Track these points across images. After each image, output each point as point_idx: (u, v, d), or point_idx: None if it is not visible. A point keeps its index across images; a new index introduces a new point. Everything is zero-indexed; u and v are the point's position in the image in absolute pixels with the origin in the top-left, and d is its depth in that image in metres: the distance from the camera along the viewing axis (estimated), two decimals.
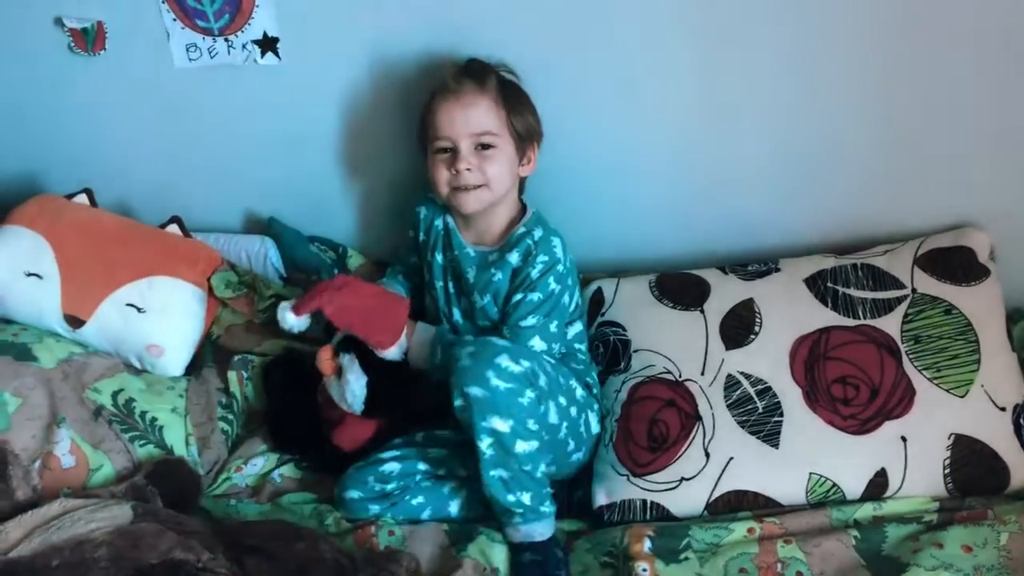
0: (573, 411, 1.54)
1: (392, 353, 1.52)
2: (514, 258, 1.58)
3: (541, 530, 1.47)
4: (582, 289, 1.77)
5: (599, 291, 1.76)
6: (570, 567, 1.46)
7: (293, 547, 1.32)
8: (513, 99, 1.59)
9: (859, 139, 1.70)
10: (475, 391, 1.39)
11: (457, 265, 1.64)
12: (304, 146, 1.87)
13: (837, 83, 1.66)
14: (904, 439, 1.48)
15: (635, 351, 1.66)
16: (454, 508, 1.56)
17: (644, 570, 1.38)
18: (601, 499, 1.53)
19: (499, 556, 1.45)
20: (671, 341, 1.64)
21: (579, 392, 1.57)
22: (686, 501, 1.50)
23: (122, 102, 1.89)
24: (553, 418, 1.49)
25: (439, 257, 1.67)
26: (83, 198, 1.84)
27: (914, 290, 1.61)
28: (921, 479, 1.47)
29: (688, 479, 1.51)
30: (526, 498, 1.44)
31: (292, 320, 1.50)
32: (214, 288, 1.80)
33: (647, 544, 1.43)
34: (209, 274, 1.79)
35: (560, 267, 1.58)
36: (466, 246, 1.64)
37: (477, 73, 1.57)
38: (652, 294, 1.72)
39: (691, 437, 1.53)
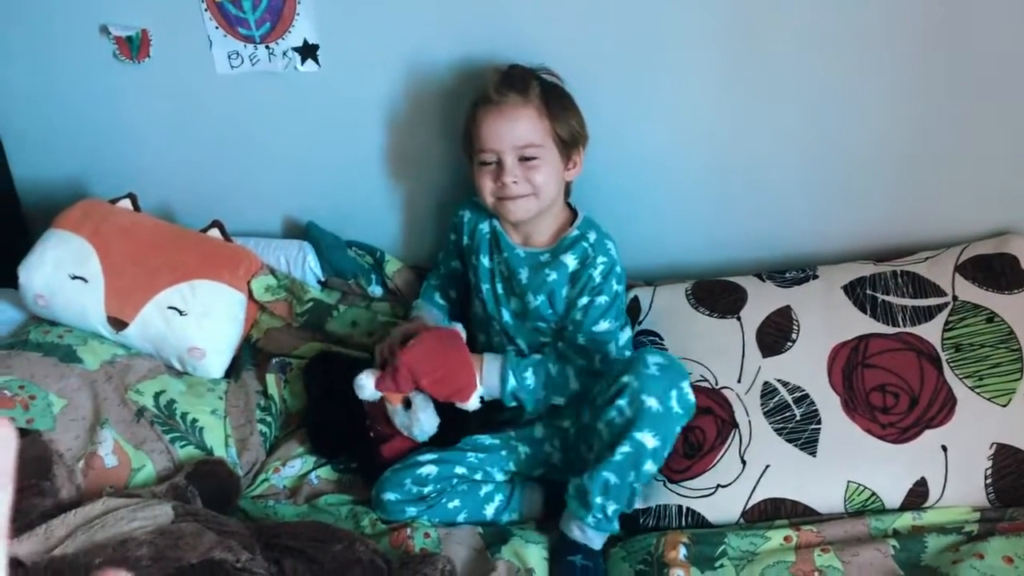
0: None
1: (472, 404, 1.53)
2: (570, 260, 1.59)
3: (599, 541, 1.47)
4: None
5: (635, 300, 1.76)
6: None
7: (330, 548, 1.33)
8: (557, 105, 1.59)
9: (900, 144, 1.69)
10: (651, 403, 1.39)
11: (507, 266, 1.64)
12: (343, 152, 1.89)
13: (877, 88, 1.65)
14: (944, 448, 1.46)
15: None
16: (489, 511, 1.57)
17: None
18: (637, 503, 1.53)
19: (534, 557, 1.46)
20: (707, 349, 1.63)
21: None
22: (722, 508, 1.50)
23: (165, 108, 1.92)
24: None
25: (485, 260, 1.67)
26: (127, 203, 1.87)
27: (955, 297, 1.59)
28: (962, 489, 1.45)
29: (724, 486, 1.50)
30: (611, 508, 1.44)
31: (370, 392, 1.53)
32: (253, 292, 1.82)
33: (682, 551, 1.42)
34: (249, 278, 1.81)
35: (618, 268, 1.60)
36: (515, 247, 1.64)
37: (519, 82, 1.57)
38: (688, 302, 1.72)
39: (727, 444, 1.52)
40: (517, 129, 1.54)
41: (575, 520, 1.47)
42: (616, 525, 1.47)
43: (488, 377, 1.55)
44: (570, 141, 1.59)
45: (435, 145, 1.84)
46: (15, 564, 1.22)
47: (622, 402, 1.40)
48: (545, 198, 1.58)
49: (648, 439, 1.39)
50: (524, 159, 1.55)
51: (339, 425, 1.66)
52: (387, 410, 1.56)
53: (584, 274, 1.58)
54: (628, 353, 1.63)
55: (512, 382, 1.55)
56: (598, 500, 1.43)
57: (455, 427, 1.56)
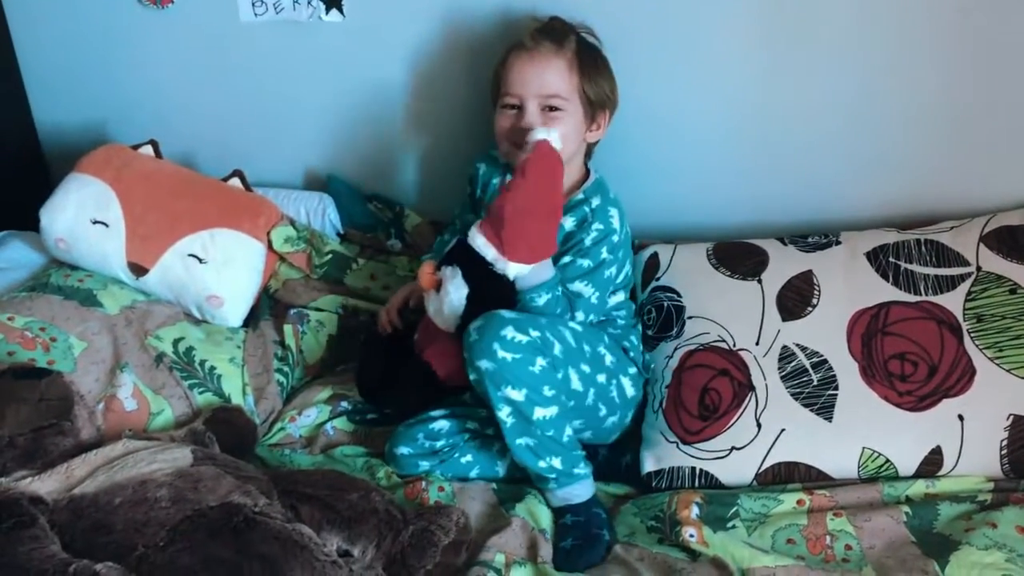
0: (601, 377, 1.53)
1: (512, 269, 1.44)
2: (568, 223, 1.57)
3: (579, 492, 1.48)
4: (637, 253, 1.77)
5: (655, 255, 1.75)
6: (614, 527, 1.47)
7: (346, 497, 1.34)
8: (589, 64, 1.57)
9: (930, 113, 1.67)
10: (484, 364, 1.40)
11: None
12: (366, 104, 1.88)
13: (907, 56, 1.63)
14: (961, 418, 1.46)
15: (689, 317, 1.65)
16: (501, 468, 1.58)
17: (692, 535, 1.39)
18: (649, 465, 1.54)
19: (547, 518, 1.47)
20: (726, 309, 1.63)
21: (609, 358, 1.56)
22: (735, 470, 1.50)
23: (188, 55, 1.92)
24: (576, 384, 1.49)
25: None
26: (148, 149, 1.86)
27: (979, 268, 1.58)
28: (977, 459, 1.45)
29: (739, 448, 1.50)
30: (556, 462, 1.45)
31: (483, 241, 1.45)
32: (273, 242, 1.82)
33: (695, 510, 1.43)
34: (269, 228, 1.81)
35: (615, 237, 1.58)
36: None
37: (557, 33, 1.56)
38: (709, 262, 1.71)
39: (743, 407, 1.52)
40: (545, 77, 1.53)
41: (545, 492, 1.49)
42: (579, 471, 1.47)
43: (541, 267, 1.49)
44: (596, 102, 1.58)
45: (459, 100, 1.83)
46: (37, 501, 1.23)
47: (472, 376, 1.43)
48: (563, 152, 1.55)
49: (512, 393, 1.41)
50: (548, 108, 1.54)
51: (388, 370, 1.64)
52: (424, 303, 1.53)
53: (576, 236, 1.56)
54: (616, 313, 1.62)
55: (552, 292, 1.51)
56: (540, 464, 1.45)
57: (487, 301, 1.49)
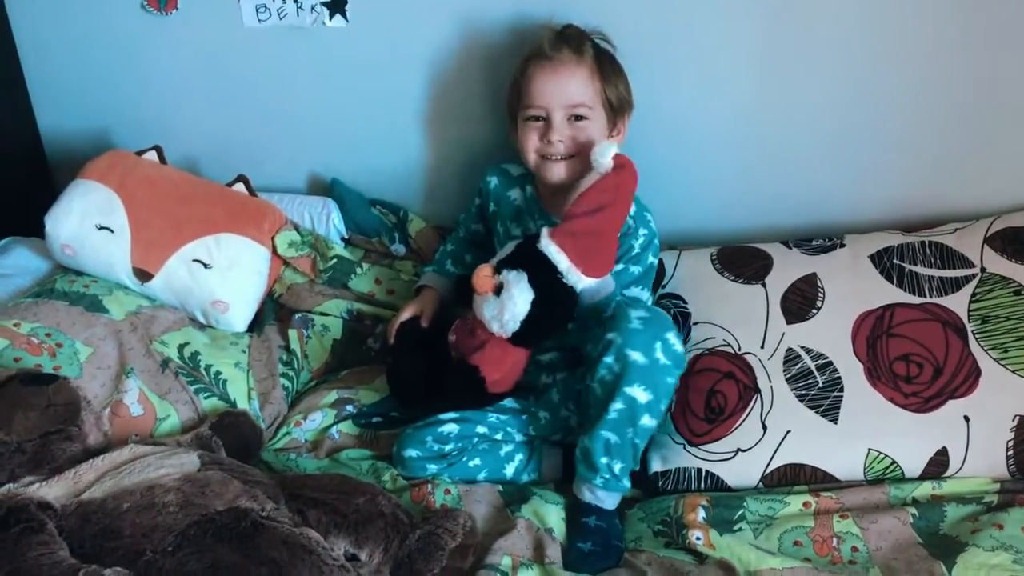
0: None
1: (583, 282, 1.43)
2: None
3: (612, 501, 1.48)
4: None
5: (660, 263, 1.74)
6: (624, 537, 1.47)
7: (353, 501, 1.34)
8: (608, 69, 1.58)
9: (931, 114, 1.68)
10: (636, 356, 1.39)
11: None
12: (369, 109, 1.88)
13: (908, 56, 1.63)
14: (967, 419, 1.46)
15: (695, 323, 1.65)
16: (509, 471, 1.58)
17: (698, 539, 1.39)
18: (656, 466, 1.54)
19: (553, 517, 1.47)
20: (731, 314, 1.63)
21: None
22: (741, 472, 1.50)
23: (192, 62, 1.92)
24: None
25: (516, 229, 1.66)
26: (153, 155, 1.86)
27: (983, 269, 1.58)
28: (983, 460, 1.45)
29: (744, 451, 1.50)
30: (617, 467, 1.45)
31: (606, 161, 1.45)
32: (277, 247, 1.82)
33: (701, 513, 1.43)
34: (273, 233, 1.81)
35: (656, 241, 1.61)
36: (551, 216, 1.63)
37: (575, 41, 1.56)
38: (713, 266, 1.71)
39: (749, 409, 1.52)
40: (570, 87, 1.54)
41: (585, 483, 1.48)
42: (626, 483, 1.47)
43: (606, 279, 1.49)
44: (617, 107, 1.59)
45: (464, 105, 1.83)
46: (45, 507, 1.23)
47: (609, 359, 1.40)
48: (588, 161, 1.56)
49: (639, 393, 1.40)
50: (574, 118, 1.55)
51: (422, 370, 1.60)
52: (475, 306, 1.49)
53: (625, 243, 1.57)
54: None
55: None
56: (603, 460, 1.44)
57: (549, 324, 1.47)
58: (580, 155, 1.55)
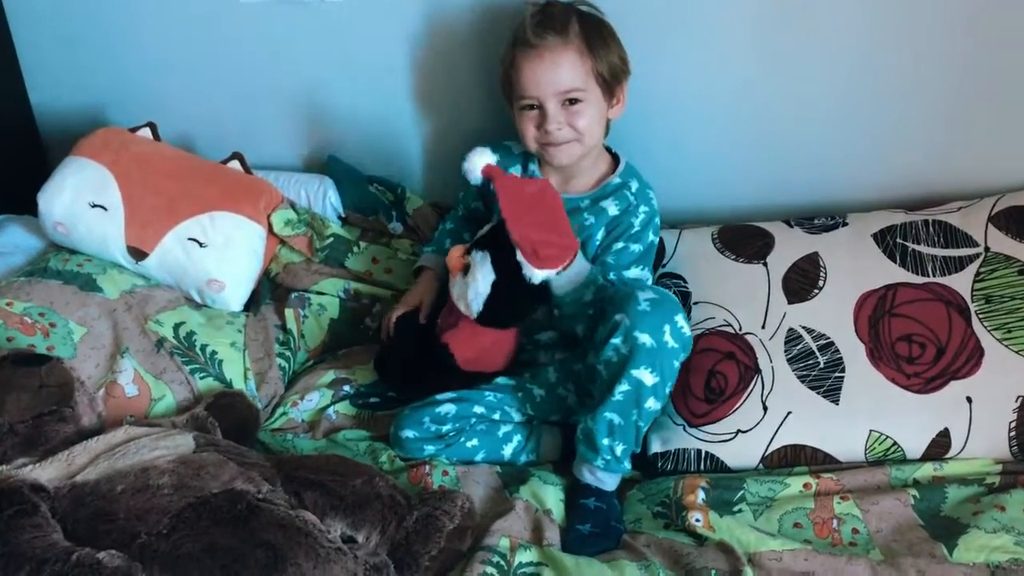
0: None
1: (540, 275, 1.41)
2: (612, 207, 1.58)
3: (612, 482, 1.47)
4: None
5: (660, 242, 1.72)
6: (623, 518, 1.46)
7: (350, 483, 1.33)
8: (598, 42, 1.53)
9: (935, 91, 1.65)
10: (644, 339, 1.37)
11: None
12: (367, 85, 1.85)
13: (912, 32, 1.61)
14: (970, 400, 1.45)
15: (695, 303, 1.64)
16: (507, 451, 1.57)
17: (698, 520, 1.38)
18: (656, 446, 1.53)
19: (551, 498, 1.46)
20: (732, 294, 1.62)
21: None
22: (741, 453, 1.49)
23: (187, 35, 1.89)
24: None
25: None
26: (147, 131, 1.84)
27: (987, 248, 1.56)
28: (985, 441, 1.44)
29: (745, 431, 1.49)
30: (619, 449, 1.44)
31: (475, 176, 1.49)
32: (274, 226, 1.80)
33: (701, 495, 1.42)
34: (270, 211, 1.79)
35: (657, 219, 1.59)
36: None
37: (558, 22, 1.51)
38: (714, 246, 1.69)
39: (749, 390, 1.51)
40: (559, 74, 1.50)
41: (585, 463, 1.47)
42: (627, 465, 1.46)
43: (576, 264, 1.46)
44: (612, 78, 1.55)
45: (462, 80, 1.81)
46: (38, 489, 1.22)
47: (616, 340, 1.39)
48: (590, 141, 1.55)
49: (646, 376, 1.38)
50: (569, 102, 1.52)
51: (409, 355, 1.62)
52: (449, 286, 1.51)
53: (625, 221, 1.56)
54: None
55: (593, 287, 1.49)
56: (605, 441, 1.43)
57: (514, 308, 1.47)
58: (581, 139, 1.54)
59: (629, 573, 1.30)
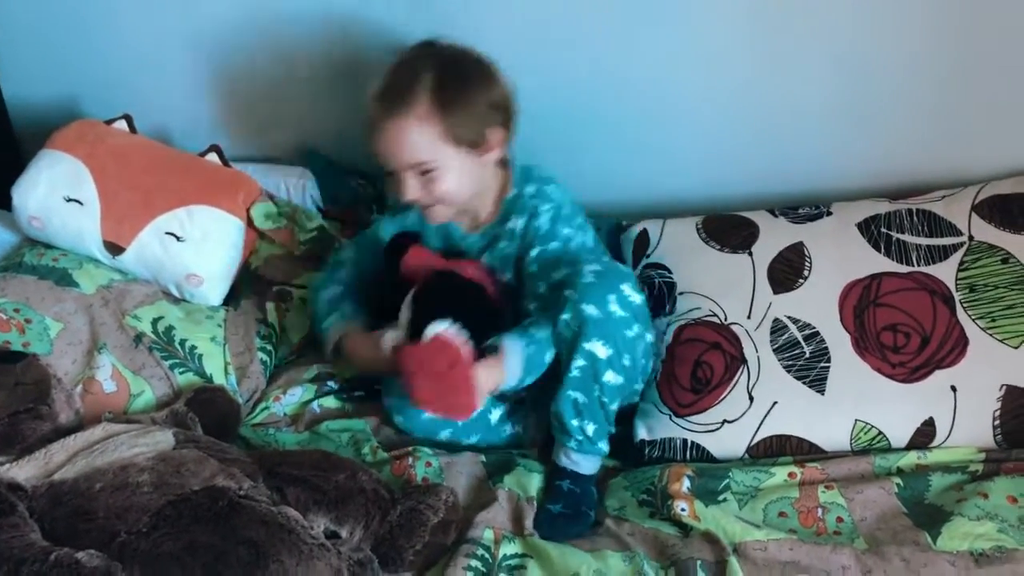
0: (651, 353, 1.54)
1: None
2: (518, 223, 1.52)
3: (588, 465, 1.46)
4: (626, 230, 1.75)
5: (644, 232, 1.73)
6: (602, 506, 1.45)
7: (332, 478, 1.32)
8: (452, 102, 1.41)
9: (919, 81, 1.65)
10: (591, 310, 1.36)
11: (465, 255, 1.56)
12: (344, 74, 1.83)
13: (898, 23, 1.60)
14: (954, 389, 1.45)
15: (680, 293, 1.63)
16: (495, 417, 1.56)
17: (683, 509, 1.38)
18: (642, 434, 1.52)
19: (535, 486, 1.46)
20: (717, 284, 1.61)
21: (650, 336, 1.53)
22: (727, 443, 1.49)
23: (163, 24, 1.86)
24: (640, 359, 1.48)
25: (439, 245, 1.58)
26: (123, 124, 1.81)
27: (971, 237, 1.56)
28: (969, 430, 1.44)
29: (730, 422, 1.49)
30: (590, 429, 1.43)
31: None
32: (254, 219, 1.78)
33: (686, 483, 1.42)
34: (249, 205, 1.77)
35: (566, 209, 1.53)
36: (467, 235, 1.57)
37: (404, 87, 1.41)
38: (699, 236, 1.68)
39: (735, 380, 1.51)
40: (403, 149, 1.42)
41: (561, 447, 1.46)
42: (603, 447, 1.45)
43: (510, 361, 1.41)
44: (475, 135, 1.44)
45: None
46: (15, 488, 1.20)
47: (566, 316, 1.38)
48: (458, 199, 1.48)
49: (598, 348, 1.38)
50: (421, 174, 1.44)
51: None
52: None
53: (532, 228, 1.50)
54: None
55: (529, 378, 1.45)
56: (573, 423, 1.42)
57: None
58: (444, 201, 1.47)
59: (613, 563, 1.30)
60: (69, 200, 1.69)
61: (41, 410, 1.33)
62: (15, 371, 1.33)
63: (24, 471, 1.25)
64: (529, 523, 1.38)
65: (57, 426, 1.34)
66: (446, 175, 1.44)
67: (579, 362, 1.39)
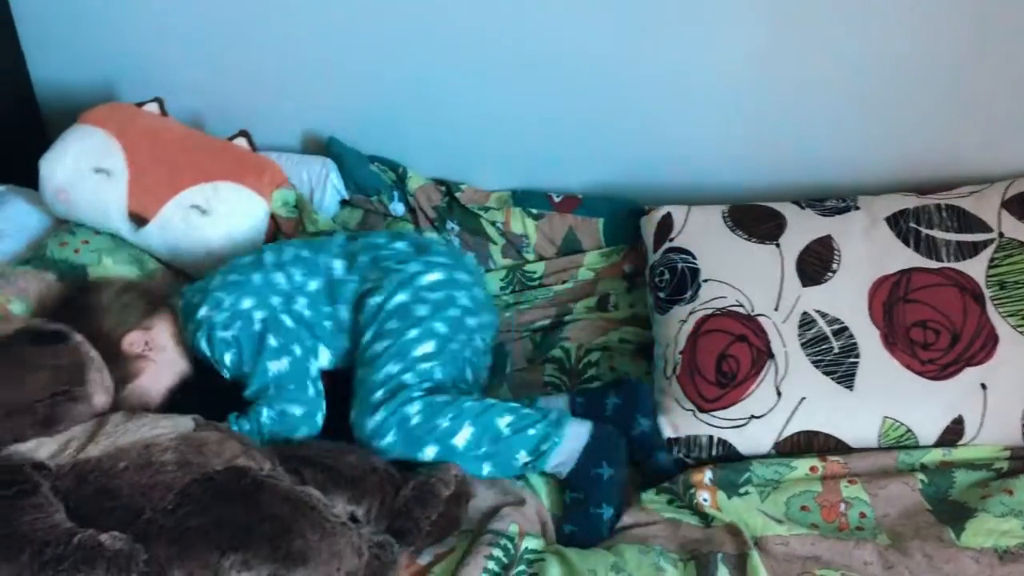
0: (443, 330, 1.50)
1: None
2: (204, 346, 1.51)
3: (565, 450, 1.40)
4: (648, 214, 1.73)
5: (667, 216, 1.69)
6: (620, 486, 1.40)
7: (346, 458, 1.34)
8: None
9: (947, 74, 1.63)
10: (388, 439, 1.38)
11: None
12: (367, 60, 1.83)
13: (923, 12, 1.58)
14: (984, 386, 1.44)
15: (704, 280, 1.59)
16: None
17: (705, 500, 1.38)
18: (668, 431, 1.50)
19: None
20: (744, 273, 1.58)
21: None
22: (754, 439, 1.47)
23: (191, 11, 1.86)
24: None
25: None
26: (154, 106, 1.82)
27: (1001, 234, 1.54)
28: (998, 428, 1.43)
29: (758, 417, 1.47)
30: (522, 455, 1.40)
31: None
32: (273, 203, 1.77)
33: (708, 474, 1.41)
34: (273, 188, 1.76)
35: (239, 322, 1.50)
36: None
37: None
38: (725, 224, 1.65)
39: (762, 375, 1.49)
40: None
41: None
42: (543, 427, 1.40)
43: None
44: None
45: (461, 55, 1.77)
46: (40, 467, 1.20)
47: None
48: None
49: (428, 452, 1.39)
50: None
51: None
52: None
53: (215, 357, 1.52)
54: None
55: None
56: (517, 461, 1.40)
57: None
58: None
59: (629, 556, 1.29)
60: (97, 171, 1.69)
61: (76, 392, 1.32)
62: (56, 352, 1.32)
63: (48, 450, 1.25)
64: (552, 536, 1.38)
65: (92, 407, 1.34)
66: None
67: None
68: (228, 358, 1.49)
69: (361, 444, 1.41)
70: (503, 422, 1.40)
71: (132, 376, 1.48)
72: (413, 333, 1.46)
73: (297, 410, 1.45)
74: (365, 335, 1.48)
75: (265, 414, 1.43)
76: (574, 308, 1.78)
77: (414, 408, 1.39)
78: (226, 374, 1.51)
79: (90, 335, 1.38)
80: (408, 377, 1.43)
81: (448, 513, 1.31)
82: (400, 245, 1.58)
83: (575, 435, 1.41)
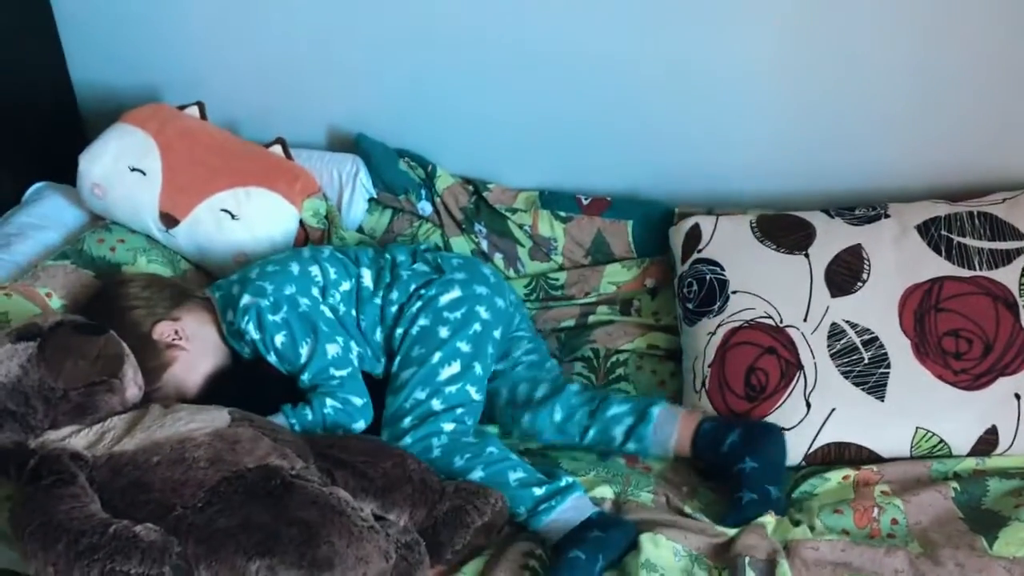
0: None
1: None
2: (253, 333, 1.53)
3: (548, 519, 1.36)
4: (676, 225, 1.73)
5: (696, 227, 1.69)
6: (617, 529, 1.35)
7: (381, 464, 1.33)
8: None
9: (978, 78, 1.62)
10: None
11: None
12: (397, 57, 1.84)
13: (957, 22, 1.58)
14: (1018, 396, 1.42)
15: (733, 292, 1.59)
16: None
17: None
18: None
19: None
20: (773, 284, 1.57)
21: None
22: None
23: (229, 12, 1.88)
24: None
25: None
26: (194, 110, 1.85)
27: None
28: None
29: (788, 429, 1.46)
30: (522, 508, 1.38)
31: None
32: (303, 211, 1.78)
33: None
34: (304, 197, 1.78)
35: (272, 316, 1.52)
36: None
37: None
38: (753, 234, 1.65)
39: (792, 386, 1.48)
40: None
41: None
42: (541, 520, 1.36)
43: None
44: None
45: (495, 52, 1.78)
46: (76, 458, 1.22)
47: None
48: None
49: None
50: None
51: None
52: None
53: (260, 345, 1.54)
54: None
55: None
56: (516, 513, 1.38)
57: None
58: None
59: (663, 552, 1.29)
60: (133, 170, 1.72)
61: (113, 383, 1.33)
62: (98, 343, 1.33)
63: (86, 440, 1.27)
64: None
65: (124, 400, 1.35)
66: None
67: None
68: (280, 339, 1.50)
69: None
70: (513, 476, 1.40)
71: (165, 365, 1.50)
72: (437, 357, 1.50)
73: (358, 400, 1.49)
74: (394, 365, 1.53)
75: (329, 404, 1.45)
76: (597, 309, 1.79)
77: (438, 441, 1.43)
78: (272, 358, 1.52)
79: (119, 328, 1.41)
80: (436, 403, 1.47)
81: (473, 543, 1.31)
82: (420, 267, 1.61)
83: (574, 507, 1.37)
